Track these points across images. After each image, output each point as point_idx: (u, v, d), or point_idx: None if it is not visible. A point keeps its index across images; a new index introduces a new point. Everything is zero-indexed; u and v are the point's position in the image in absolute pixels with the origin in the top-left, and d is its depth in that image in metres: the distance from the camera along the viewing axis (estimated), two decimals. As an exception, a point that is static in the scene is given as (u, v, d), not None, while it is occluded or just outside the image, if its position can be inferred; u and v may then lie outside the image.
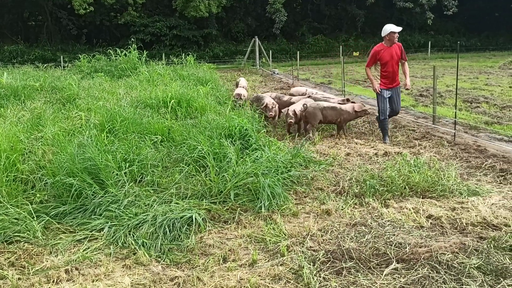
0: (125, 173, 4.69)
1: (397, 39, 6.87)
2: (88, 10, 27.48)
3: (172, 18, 31.32)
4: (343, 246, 3.42)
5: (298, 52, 22.27)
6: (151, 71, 13.18)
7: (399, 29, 6.81)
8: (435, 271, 3.05)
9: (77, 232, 3.88)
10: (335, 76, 18.32)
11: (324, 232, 3.79)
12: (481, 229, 3.75)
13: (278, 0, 30.37)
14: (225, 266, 3.30)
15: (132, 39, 22.08)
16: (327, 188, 4.86)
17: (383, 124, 7.04)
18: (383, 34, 6.87)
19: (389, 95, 6.92)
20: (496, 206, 4.18)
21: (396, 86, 6.96)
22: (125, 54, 15.91)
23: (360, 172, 5.21)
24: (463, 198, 4.40)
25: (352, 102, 7.71)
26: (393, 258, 3.23)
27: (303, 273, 3.10)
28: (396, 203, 4.37)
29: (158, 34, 30.87)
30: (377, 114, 7.21)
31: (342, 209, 4.25)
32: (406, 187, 4.66)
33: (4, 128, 5.81)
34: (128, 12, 29.52)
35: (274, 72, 21.06)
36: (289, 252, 3.48)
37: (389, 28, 6.79)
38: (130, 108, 7.41)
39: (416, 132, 7.66)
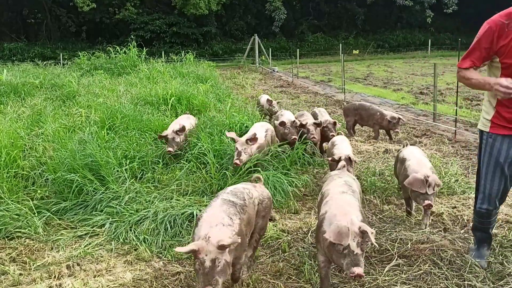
0: (125, 169, 4.69)
1: None
2: (91, 7, 27.43)
3: (171, 16, 31.24)
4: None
5: (298, 50, 22.20)
6: (150, 69, 13.16)
7: None
8: (437, 267, 3.05)
9: (78, 228, 3.88)
10: (335, 74, 18.30)
11: (325, 228, 3.79)
12: (483, 225, 3.75)
13: (278, -2, 30.34)
14: (227, 262, 3.29)
15: (132, 37, 22.00)
16: (328, 185, 4.85)
17: (479, 221, 3.05)
18: None
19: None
20: (497, 203, 4.18)
21: None
22: (125, 52, 15.87)
23: (361, 169, 5.21)
24: (464, 195, 4.40)
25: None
26: (395, 254, 3.24)
27: (304, 269, 3.11)
28: (397, 200, 4.37)
29: (158, 32, 30.78)
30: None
31: (343, 206, 4.24)
32: (407, 184, 4.66)
33: (4, 125, 5.81)
34: (126, 7, 29.43)
35: (273, 70, 21.03)
36: (290, 248, 3.48)
37: None
38: (130, 105, 7.39)
39: (417, 130, 7.65)
